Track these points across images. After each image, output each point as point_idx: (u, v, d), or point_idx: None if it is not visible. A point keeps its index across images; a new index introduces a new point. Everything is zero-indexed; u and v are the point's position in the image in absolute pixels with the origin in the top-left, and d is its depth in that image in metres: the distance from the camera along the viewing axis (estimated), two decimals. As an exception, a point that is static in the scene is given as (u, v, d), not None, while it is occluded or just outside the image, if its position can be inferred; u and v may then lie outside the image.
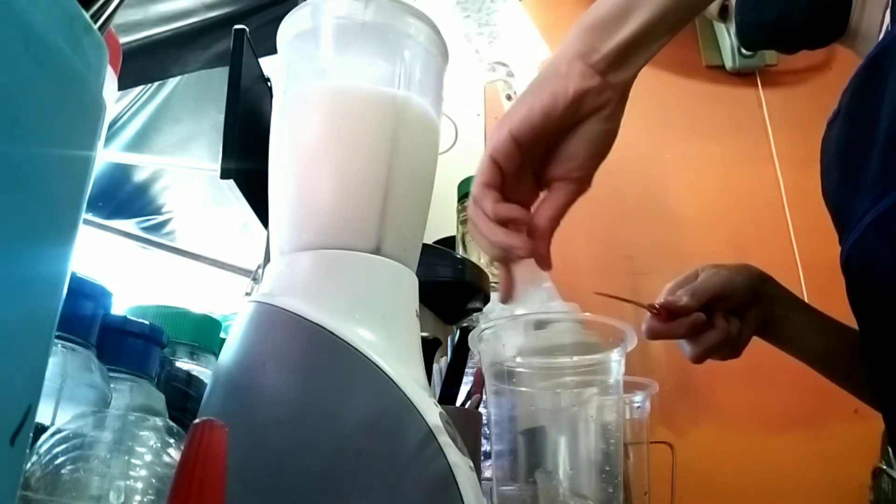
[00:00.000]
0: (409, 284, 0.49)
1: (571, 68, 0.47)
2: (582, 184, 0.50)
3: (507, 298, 0.52)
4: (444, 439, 0.42)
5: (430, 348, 0.61)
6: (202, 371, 0.59)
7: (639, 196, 1.59)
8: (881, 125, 0.54)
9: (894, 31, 0.58)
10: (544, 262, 0.50)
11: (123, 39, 1.18)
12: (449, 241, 1.26)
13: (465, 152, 1.56)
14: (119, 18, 0.51)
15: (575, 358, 0.60)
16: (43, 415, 0.37)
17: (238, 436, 0.41)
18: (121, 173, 1.71)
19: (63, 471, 0.32)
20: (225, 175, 0.69)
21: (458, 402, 0.67)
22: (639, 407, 0.98)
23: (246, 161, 0.71)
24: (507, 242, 0.48)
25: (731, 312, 0.65)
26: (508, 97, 1.33)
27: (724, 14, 1.00)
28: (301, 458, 0.39)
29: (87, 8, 0.25)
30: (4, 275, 0.20)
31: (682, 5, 0.47)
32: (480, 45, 1.30)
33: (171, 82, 1.59)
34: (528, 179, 0.51)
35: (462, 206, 1.31)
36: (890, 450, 1.21)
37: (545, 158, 0.50)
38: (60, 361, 0.40)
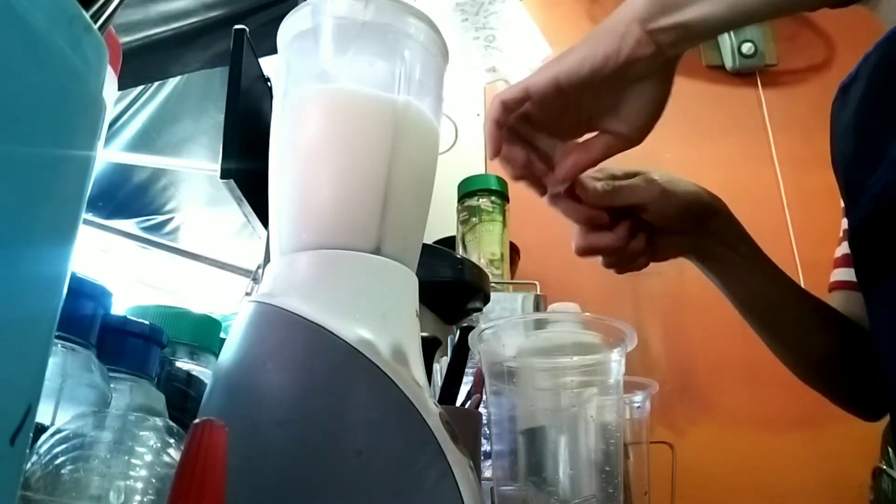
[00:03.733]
0: (409, 284, 0.49)
1: (629, 32, 0.48)
2: (628, 141, 0.52)
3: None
4: (444, 439, 0.42)
5: (430, 348, 0.61)
6: (202, 371, 0.59)
7: (639, 196, 1.59)
8: None
9: None
10: (568, 177, 0.55)
11: (123, 39, 1.18)
12: (449, 241, 1.26)
13: (465, 152, 1.56)
14: (119, 18, 0.51)
15: (575, 358, 0.60)
16: (43, 415, 0.37)
17: (238, 436, 0.41)
18: (121, 173, 1.71)
19: (63, 471, 0.32)
20: (225, 175, 0.69)
21: (458, 402, 0.67)
22: (639, 407, 0.98)
23: (246, 161, 0.71)
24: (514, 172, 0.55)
25: (646, 228, 0.62)
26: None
27: None
28: (301, 458, 0.39)
29: (87, 8, 0.25)
30: (4, 274, 0.20)
31: (755, 7, 0.48)
32: (476, 52, 1.30)
33: (171, 82, 1.59)
34: (571, 121, 0.53)
35: (462, 206, 1.31)
36: (890, 450, 1.21)
37: (597, 107, 0.51)
38: (60, 361, 0.40)
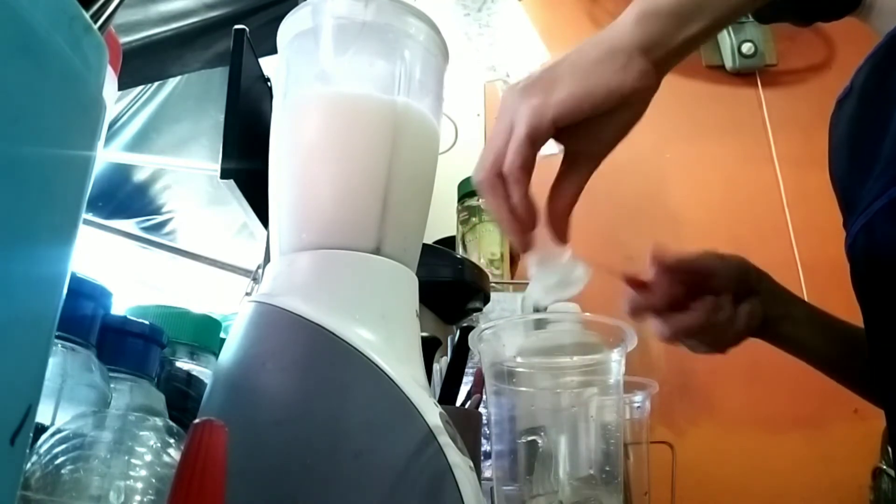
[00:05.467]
0: (409, 284, 0.49)
1: (632, 63, 0.43)
2: (600, 160, 0.48)
3: (524, 250, 0.48)
4: (444, 439, 0.42)
5: (430, 348, 0.61)
6: (202, 371, 0.59)
7: (639, 196, 1.59)
8: None
9: None
10: (563, 237, 0.47)
11: (123, 39, 1.18)
12: (449, 241, 1.26)
13: (465, 152, 1.56)
14: (119, 18, 0.51)
15: (575, 358, 0.60)
16: (43, 415, 0.37)
17: (238, 436, 0.41)
18: (121, 173, 1.71)
19: (63, 471, 0.32)
20: (225, 175, 0.69)
21: (458, 402, 0.67)
22: (639, 407, 0.98)
23: (246, 161, 0.71)
24: (521, 238, 0.46)
25: (722, 299, 0.60)
26: (508, 97, 1.33)
27: None
28: (301, 458, 0.39)
29: (87, 8, 0.25)
30: (4, 275, 0.20)
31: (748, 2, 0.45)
32: (480, 45, 1.30)
33: (171, 82, 1.59)
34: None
35: (462, 206, 1.31)
36: (890, 450, 1.21)
37: (570, 131, 0.46)
38: (60, 361, 0.40)
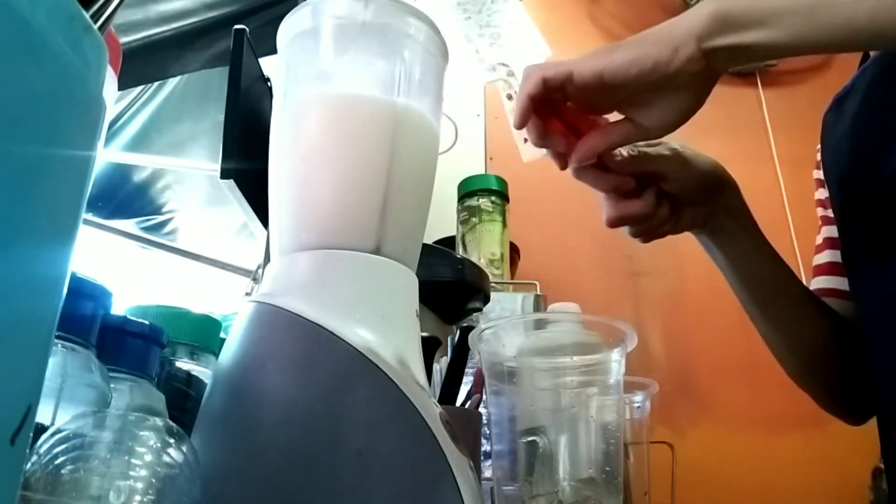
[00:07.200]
0: (409, 284, 0.49)
1: (684, 46, 0.48)
2: (648, 134, 0.53)
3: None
4: (444, 439, 0.42)
5: (430, 348, 0.61)
6: (202, 371, 0.59)
7: (639, 196, 1.59)
8: None
9: None
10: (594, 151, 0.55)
11: (123, 39, 1.18)
12: (449, 241, 1.26)
13: (465, 152, 1.56)
14: (119, 18, 0.51)
15: (575, 358, 0.60)
16: (43, 415, 0.37)
17: (238, 436, 0.41)
18: (121, 173, 1.71)
19: (63, 471, 0.32)
20: (225, 175, 0.69)
21: (458, 402, 0.67)
22: (639, 407, 0.98)
23: (246, 161, 0.71)
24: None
25: (668, 196, 0.62)
26: (509, 97, 1.33)
27: None
28: (301, 458, 0.39)
29: (87, 8, 0.25)
30: (4, 275, 0.20)
31: (814, 43, 0.47)
32: (481, 46, 1.30)
33: (171, 82, 1.59)
34: (602, 102, 0.54)
35: (462, 206, 1.31)
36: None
37: (631, 98, 0.52)
38: (60, 361, 0.40)
